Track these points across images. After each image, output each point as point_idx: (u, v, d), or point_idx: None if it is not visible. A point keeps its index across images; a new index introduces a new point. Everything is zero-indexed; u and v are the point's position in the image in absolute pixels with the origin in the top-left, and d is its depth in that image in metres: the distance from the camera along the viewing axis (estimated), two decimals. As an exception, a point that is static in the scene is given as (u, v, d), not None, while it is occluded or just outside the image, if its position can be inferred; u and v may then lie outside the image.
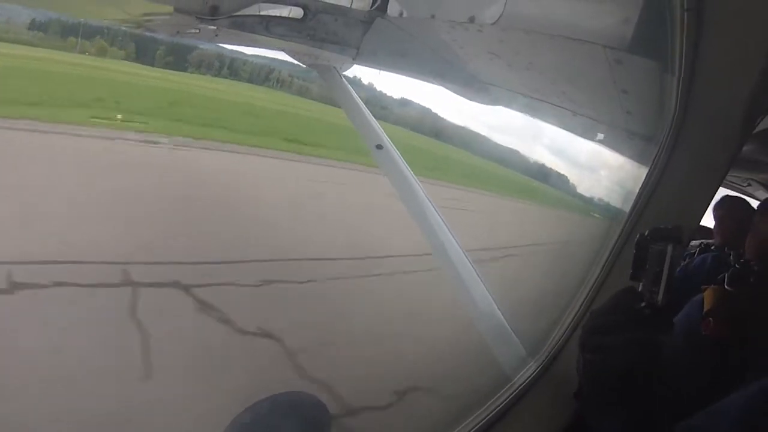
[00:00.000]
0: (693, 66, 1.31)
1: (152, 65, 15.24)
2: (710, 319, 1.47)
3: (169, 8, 2.04)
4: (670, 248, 1.03)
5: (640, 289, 1.06)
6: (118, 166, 8.48)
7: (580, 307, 1.87)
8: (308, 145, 14.96)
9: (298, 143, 14.78)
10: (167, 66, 15.61)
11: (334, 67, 3.01)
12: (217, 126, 13.29)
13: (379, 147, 2.83)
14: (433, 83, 3.17)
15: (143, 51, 15.05)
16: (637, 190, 1.80)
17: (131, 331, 4.19)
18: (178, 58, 15.90)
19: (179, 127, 12.05)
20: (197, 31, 2.27)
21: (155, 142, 10.96)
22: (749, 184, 4.16)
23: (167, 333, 4.29)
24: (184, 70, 16.40)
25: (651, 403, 1.01)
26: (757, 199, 4.08)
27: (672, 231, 1.08)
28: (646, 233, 1.10)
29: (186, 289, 5.20)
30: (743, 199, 3.08)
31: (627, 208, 1.85)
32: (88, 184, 7.28)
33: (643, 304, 1.03)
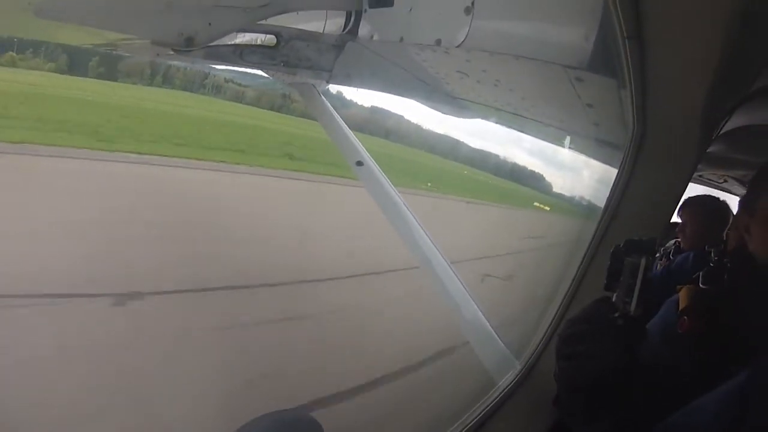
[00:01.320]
0: (643, 84, 1.38)
1: (85, 76, 14.56)
2: (685, 317, 1.50)
3: (146, 40, 2.08)
4: (643, 261, 1.08)
5: (613, 300, 1.11)
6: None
7: (557, 312, 1.92)
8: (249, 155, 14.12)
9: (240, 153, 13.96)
10: (100, 76, 14.92)
11: (313, 86, 3.04)
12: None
13: (360, 163, 2.86)
14: (407, 100, 3.22)
15: (76, 63, 14.39)
16: (606, 197, 1.87)
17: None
18: (110, 69, 15.24)
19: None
20: (176, 54, 2.30)
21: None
22: (725, 181, 4.26)
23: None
24: (115, 79, 15.63)
25: (626, 409, 1.06)
26: (735, 195, 4.19)
27: (645, 243, 1.13)
28: (621, 245, 1.15)
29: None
30: (703, 201, 3.12)
31: (597, 216, 1.91)
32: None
33: (616, 314, 1.08)
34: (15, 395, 3.41)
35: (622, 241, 1.15)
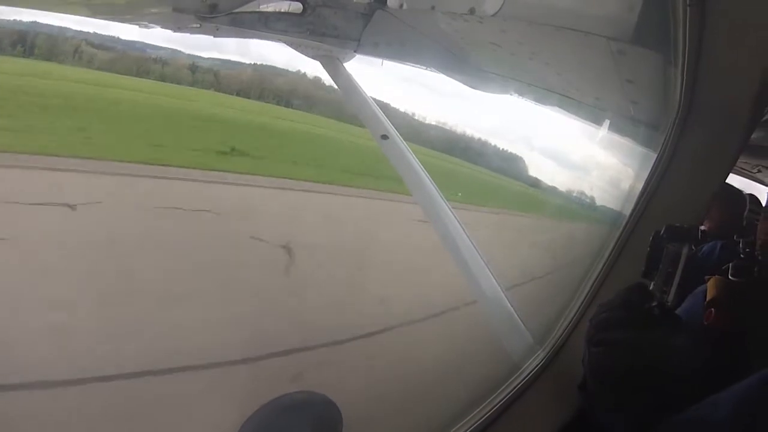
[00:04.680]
0: (697, 59, 1.28)
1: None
2: (712, 309, 1.45)
3: (168, 6, 2.04)
4: (685, 249, 1.03)
5: (651, 288, 1.06)
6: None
7: (586, 297, 1.87)
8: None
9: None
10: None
11: (337, 58, 2.99)
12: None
13: (385, 137, 2.82)
14: (435, 73, 3.14)
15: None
16: (644, 179, 1.79)
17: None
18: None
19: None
20: (198, 26, 2.25)
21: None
22: (759, 170, 4.12)
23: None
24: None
25: (653, 399, 1.02)
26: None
27: (688, 231, 1.07)
28: (661, 231, 1.09)
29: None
30: (733, 186, 3.04)
31: (633, 198, 1.83)
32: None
33: (654, 304, 1.03)
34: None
35: (662, 227, 1.09)
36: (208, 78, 17.33)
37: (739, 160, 3.80)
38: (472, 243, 2.51)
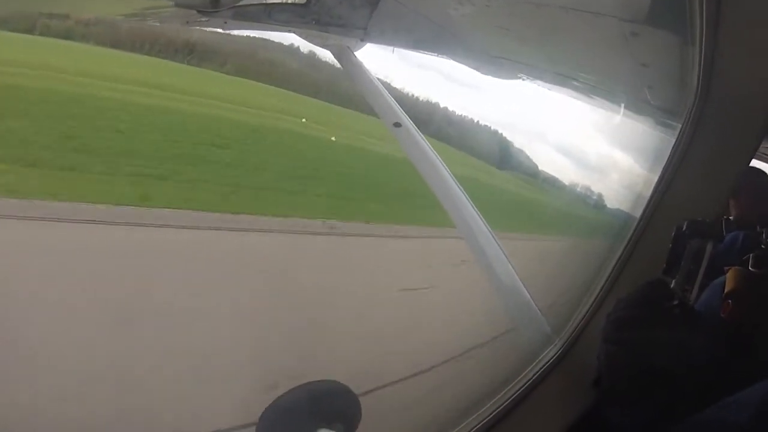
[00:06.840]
0: (714, 40, 1.22)
1: None
2: (730, 300, 1.40)
3: (170, 2, 2.03)
4: (709, 246, 1.00)
5: (672, 285, 1.03)
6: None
7: (603, 287, 1.83)
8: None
9: None
10: None
11: (348, 47, 2.96)
12: None
13: (397, 125, 2.79)
14: (443, 58, 3.09)
15: None
16: (661, 168, 1.72)
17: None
18: None
19: None
20: (206, 20, 2.25)
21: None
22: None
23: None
24: None
25: (669, 398, 0.99)
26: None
27: (711, 226, 1.05)
28: (683, 227, 1.06)
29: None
30: (762, 171, 2.91)
31: (649, 189, 1.77)
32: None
33: (675, 302, 1.00)
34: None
35: (684, 222, 1.06)
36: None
37: (762, 144, 3.66)
38: (488, 229, 2.48)
